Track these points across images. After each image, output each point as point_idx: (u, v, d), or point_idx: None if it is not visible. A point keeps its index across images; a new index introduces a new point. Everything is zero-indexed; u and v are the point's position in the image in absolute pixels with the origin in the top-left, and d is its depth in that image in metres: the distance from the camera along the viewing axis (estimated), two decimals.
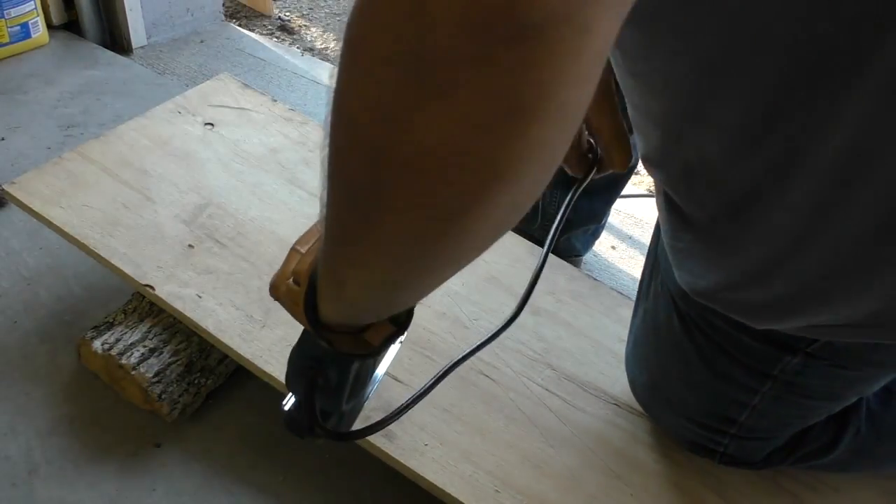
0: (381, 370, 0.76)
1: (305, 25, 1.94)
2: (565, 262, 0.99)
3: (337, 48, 1.83)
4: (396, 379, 0.81)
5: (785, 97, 0.49)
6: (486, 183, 0.31)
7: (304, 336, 0.58)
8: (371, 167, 0.32)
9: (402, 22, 0.27)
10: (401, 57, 0.28)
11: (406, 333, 0.63)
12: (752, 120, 0.52)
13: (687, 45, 0.51)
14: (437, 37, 0.27)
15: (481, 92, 0.28)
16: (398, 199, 0.32)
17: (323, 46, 1.83)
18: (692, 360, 0.71)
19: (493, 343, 0.87)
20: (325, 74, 1.65)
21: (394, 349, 0.79)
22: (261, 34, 1.83)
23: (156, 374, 0.88)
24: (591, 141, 0.81)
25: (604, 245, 1.29)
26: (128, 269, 0.89)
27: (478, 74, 0.27)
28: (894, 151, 0.47)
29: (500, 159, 0.30)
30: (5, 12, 1.44)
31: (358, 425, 0.69)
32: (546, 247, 0.79)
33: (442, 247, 0.35)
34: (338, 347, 0.51)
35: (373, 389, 0.73)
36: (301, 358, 0.57)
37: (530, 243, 1.00)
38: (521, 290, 0.93)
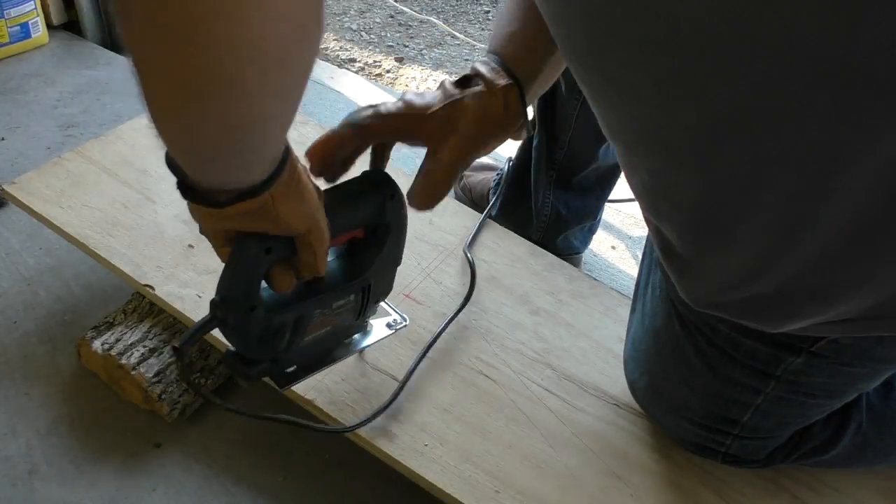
0: (364, 341, 0.79)
1: None
2: (565, 262, 0.99)
3: (337, 48, 1.83)
4: (395, 378, 0.81)
5: (735, 108, 0.49)
6: (180, 95, 0.37)
7: None
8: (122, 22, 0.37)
9: None
10: None
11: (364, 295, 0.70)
12: (703, 133, 0.52)
13: (633, 58, 0.51)
14: None
15: (139, 4, 0.33)
16: (142, 88, 0.38)
17: (322, 46, 1.83)
18: (694, 363, 0.71)
19: (494, 343, 0.87)
20: (325, 74, 1.65)
21: (381, 332, 0.80)
22: None
23: (156, 374, 0.88)
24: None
25: (604, 245, 1.29)
26: (128, 269, 0.89)
27: None
28: (861, 150, 0.47)
29: (180, 77, 0.36)
30: (5, 12, 1.44)
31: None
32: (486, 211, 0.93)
33: (184, 138, 0.41)
34: (185, 196, 0.52)
35: (342, 356, 0.77)
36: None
37: (530, 243, 1.01)
38: (522, 291, 0.94)
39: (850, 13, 0.41)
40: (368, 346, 0.79)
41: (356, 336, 0.78)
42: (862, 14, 0.41)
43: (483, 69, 0.67)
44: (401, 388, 0.78)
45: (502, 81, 0.66)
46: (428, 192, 0.66)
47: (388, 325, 0.80)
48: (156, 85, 0.37)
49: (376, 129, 0.65)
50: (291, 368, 0.74)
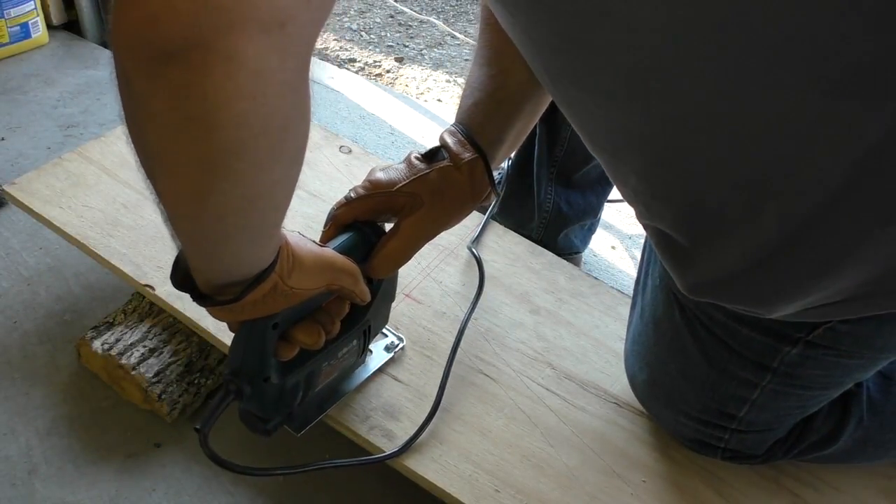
0: (368, 369, 0.81)
1: None
2: (565, 262, 0.99)
3: (337, 48, 1.83)
4: (396, 379, 0.81)
5: (692, 102, 0.50)
6: (202, 175, 0.40)
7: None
8: (138, 154, 0.41)
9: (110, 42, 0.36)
10: (117, 71, 0.37)
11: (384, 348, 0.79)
12: (671, 126, 0.53)
13: (601, 61, 0.52)
14: (119, 54, 0.36)
15: (162, 100, 0.36)
16: (157, 184, 0.42)
17: (322, 46, 1.83)
18: (691, 353, 0.71)
19: (494, 342, 0.87)
20: (325, 74, 1.65)
21: (381, 356, 0.83)
22: None
23: (156, 374, 0.88)
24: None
25: (604, 245, 1.29)
26: (128, 269, 0.89)
27: (154, 87, 0.35)
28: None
29: (203, 157, 0.38)
30: (5, 12, 1.44)
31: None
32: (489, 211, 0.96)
33: (203, 218, 0.44)
34: (202, 304, 0.56)
35: (348, 388, 0.79)
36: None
37: (530, 242, 1.01)
38: (522, 290, 0.94)
39: None
40: (371, 373, 0.81)
41: (359, 369, 0.81)
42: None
43: (449, 141, 0.70)
44: (436, 409, 0.78)
45: (468, 155, 0.68)
46: (385, 265, 0.69)
47: (387, 348, 0.83)
48: (179, 167, 0.40)
49: (346, 217, 0.69)
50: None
